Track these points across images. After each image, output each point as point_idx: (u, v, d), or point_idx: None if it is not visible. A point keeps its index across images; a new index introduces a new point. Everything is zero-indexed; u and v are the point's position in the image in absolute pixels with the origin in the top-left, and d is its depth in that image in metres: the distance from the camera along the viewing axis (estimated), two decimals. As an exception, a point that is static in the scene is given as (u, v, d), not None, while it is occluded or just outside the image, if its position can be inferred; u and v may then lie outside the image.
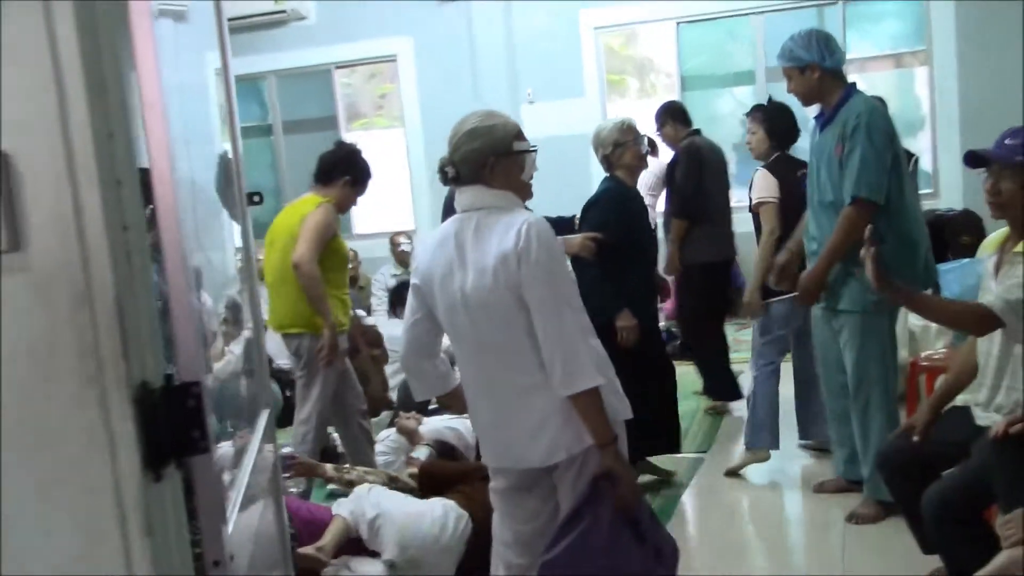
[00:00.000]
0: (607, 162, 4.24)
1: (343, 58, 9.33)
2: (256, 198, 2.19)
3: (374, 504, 3.52)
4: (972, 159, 2.88)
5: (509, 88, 8.63)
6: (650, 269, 4.46)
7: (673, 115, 6.10)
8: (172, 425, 1.30)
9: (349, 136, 9.66)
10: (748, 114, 4.84)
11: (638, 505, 2.50)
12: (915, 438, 2.99)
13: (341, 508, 3.56)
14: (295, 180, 9.68)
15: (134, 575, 1.26)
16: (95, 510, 1.24)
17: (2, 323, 1.22)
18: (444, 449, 4.36)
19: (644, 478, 4.34)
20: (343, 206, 4.39)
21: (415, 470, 4.04)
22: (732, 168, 9.03)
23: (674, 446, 4.53)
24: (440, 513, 3.53)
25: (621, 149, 4.19)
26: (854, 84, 3.82)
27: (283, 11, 8.97)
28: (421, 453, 4.26)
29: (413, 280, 2.62)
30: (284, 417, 5.10)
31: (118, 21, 1.31)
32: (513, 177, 2.54)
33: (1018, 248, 2.79)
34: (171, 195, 1.33)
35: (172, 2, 2.31)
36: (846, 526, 3.84)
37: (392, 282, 6.86)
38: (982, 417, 2.89)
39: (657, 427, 4.29)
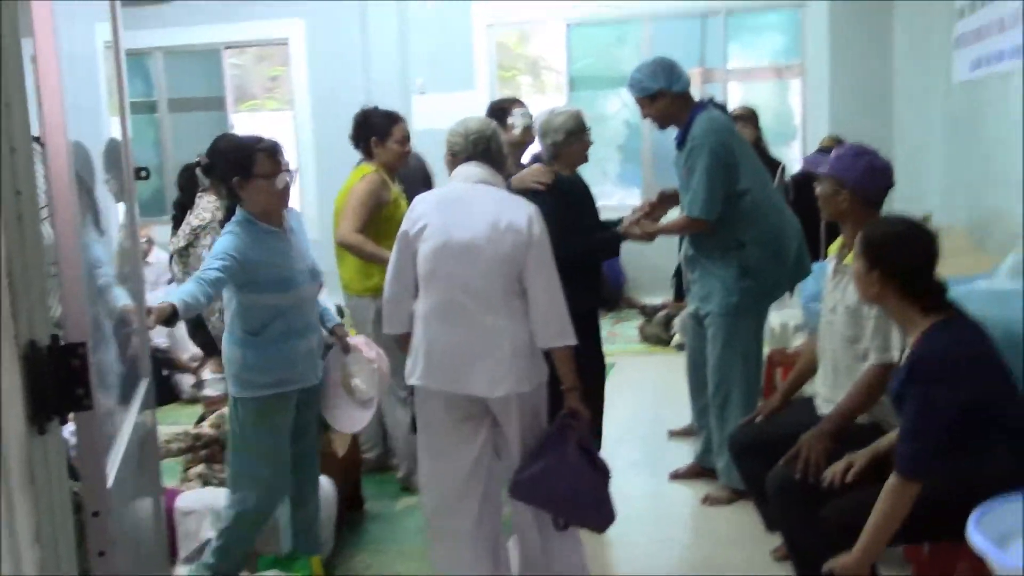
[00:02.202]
0: (553, 149, 4.11)
1: (233, 38, 9.23)
2: (143, 173, 2.24)
3: None
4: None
5: (400, 77, 8.70)
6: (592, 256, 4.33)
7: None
8: (57, 382, 1.38)
9: (237, 118, 9.56)
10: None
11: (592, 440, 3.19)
12: (758, 419, 3.28)
13: (189, 501, 3.67)
14: (180, 158, 9.54)
15: (14, 522, 1.33)
16: (-22, 460, 1.31)
17: None
18: None
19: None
20: (391, 165, 4.38)
21: (215, 418, 4.13)
22: (616, 168, 9.36)
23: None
24: None
25: (573, 140, 4.09)
26: (701, 103, 4.03)
27: (173, -13, 8.82)
28: (218, 388, 4.34)
29: (405, 229, 3.11)
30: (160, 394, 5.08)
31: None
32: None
33: (848, 259, 3.07)
34: (65, 164, 1.40)
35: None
36: (698, 508, 4.10)
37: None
38: (822, 407, 3.15)
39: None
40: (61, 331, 1.44)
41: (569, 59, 8.89)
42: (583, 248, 4.00)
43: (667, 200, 4.24)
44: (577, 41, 8.88)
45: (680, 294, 5.16)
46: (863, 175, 3.08)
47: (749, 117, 6.29)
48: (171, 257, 4.63)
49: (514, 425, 3.07)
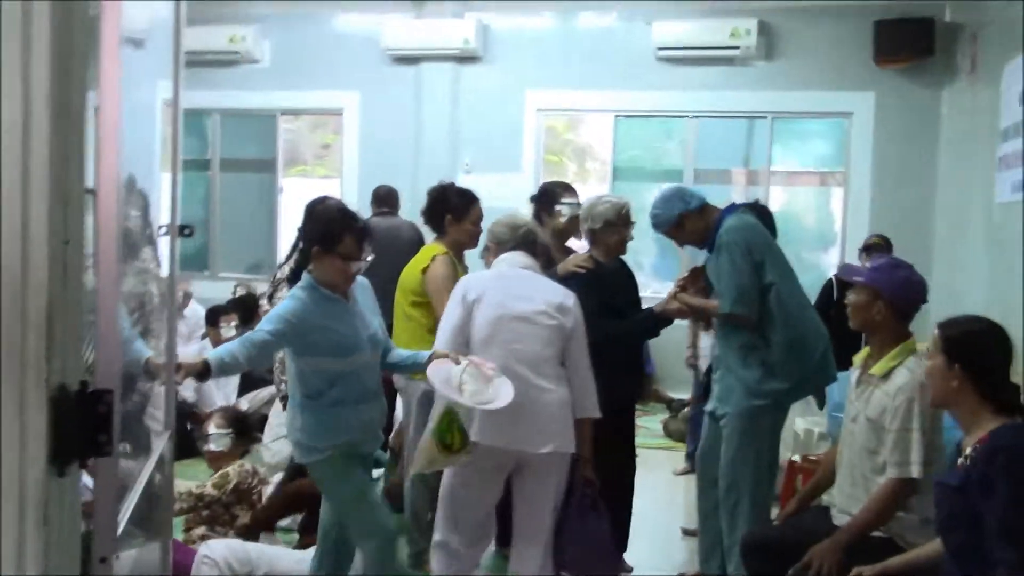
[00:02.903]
0: (591, 236, 4.28)
1: (290, 105, 9.48)
2: (187, 231, 2.31)
3: (260, 560, 3.73)
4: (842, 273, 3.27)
5: (448, 155, 8.85)
6: (629, 343, 4.38)
7: None
8: (82, 427, 1.41)
9: (286, 182, 9.76)
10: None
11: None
12: (775, 522, 3.24)
13: (215, 549, 3.66)
14: (226, 217, 9.75)
15: (23, 561, 1.35)
16: (-4, 495, 1.33)
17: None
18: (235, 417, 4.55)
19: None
20: (463, 245, 4.34)
21: (218, 478, 4.20)
22: (652, 260, 9.40)
23: (621, 544, 4.41)
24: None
25: (611, 230, 4.23)
26: (728, 208, 4.03)
27: (237, 52, 9.10)
28: (221, 444, 4.38)
29: (463, 294, 3.44)
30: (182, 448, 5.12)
31: (89, 50, 1.44)
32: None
33: (873, 369, 3.06)
34: (112, 217, 1.46)
35: (129, 28, 2.41)
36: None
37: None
38: (838, 517, 3.12)
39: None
40: (91, 377, 1.48)
41: (614, 149, 9.02)
42: (617, 331, 4.08)
43: (701, 276, 4.21)
44: (624, 132, 9.02)
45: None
46: (900, 288, 3.09)
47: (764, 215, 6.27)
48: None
49: (550, 482, 3.38)
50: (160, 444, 2.15)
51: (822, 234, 8.89)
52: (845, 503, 3.10)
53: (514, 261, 3.56)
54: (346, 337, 3.23)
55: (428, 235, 4.74)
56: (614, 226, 4.22)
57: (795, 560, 2.96)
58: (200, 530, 3.98)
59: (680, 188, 4.12)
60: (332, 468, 3.27)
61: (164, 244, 2.38)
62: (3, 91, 1.29)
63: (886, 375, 3.03)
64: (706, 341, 5.14)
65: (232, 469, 4.20)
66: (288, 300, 3.23)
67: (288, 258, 4.77)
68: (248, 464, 4.33)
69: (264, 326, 3.11)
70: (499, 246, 3.63)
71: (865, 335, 3.23)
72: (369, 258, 3.28)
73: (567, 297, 3.50)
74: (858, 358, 3.23)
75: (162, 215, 2.34)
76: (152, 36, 2.51)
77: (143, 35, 2.51)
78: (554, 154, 9.79)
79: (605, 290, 4.20)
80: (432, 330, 4.04)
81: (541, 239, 3.66)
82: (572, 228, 4.49)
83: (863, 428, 3.04)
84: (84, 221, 1.43)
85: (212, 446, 4.36)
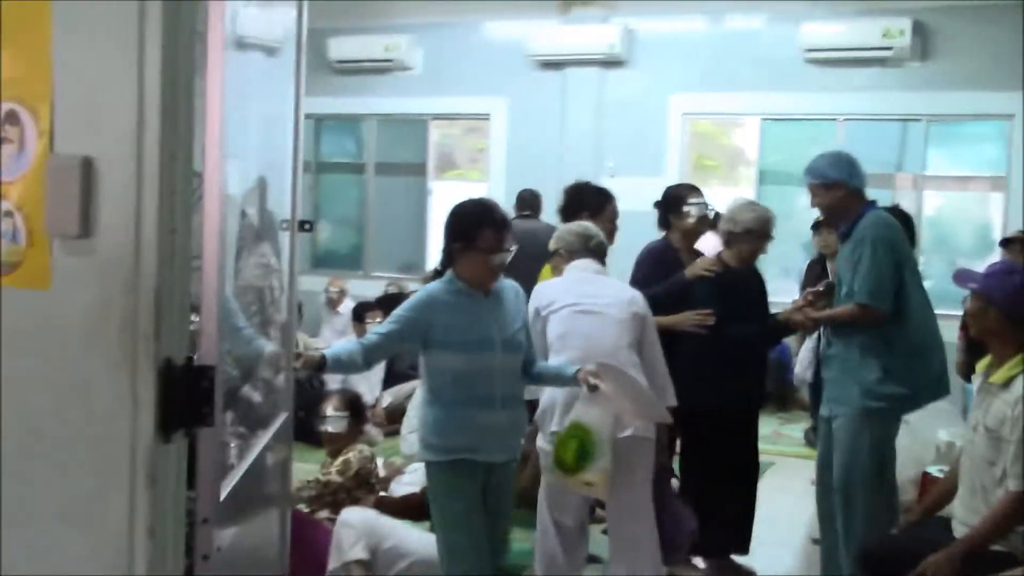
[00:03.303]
0: (728, 238, 4.31)
1: (440, 111, 9.77)
2: (307, 226, 2.47)
3: (390, 533, 3.87)
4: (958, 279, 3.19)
5: (593, 158, 8.91)
6: (752, 348, 4.37)
7: None
8: (187, 399, 1.56)
9: (440, 185, 10.07)
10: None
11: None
12: (894, 531, 3.18)
13: (352, 515, 3.86)
14: (380, 218, 10.14)
15: (134, 517, 1.52)
16: (111, 457, 1.50)
17: (66, 295, 1.50)
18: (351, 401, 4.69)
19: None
20: None
21: (340, 464, 4.37)
22: (799, 265, 9.18)
23: (741, 546, 4.45)
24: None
25: (749, 238, 4.26)
26: (872, 203, 3.95)
27: (391, 60, 9.46)
28: (338, 426, 4.51)
29: (535, 305, 3.61)
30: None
31: (196, 58, 1.60)
32: None
33: (993, 378, 2.95)
34: (217, 209, 1.61)
35: (264, 38, 2.58)
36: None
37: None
38: (958, 528, 3.02)
39: (729, 523, 4.32)
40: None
41: (761, 153, 8.89)
42: (738, 335, 4.14)
43: (831, 294, 4.13)
44: (770, 136, 8.87)
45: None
46: (1013, 294, 2.97)
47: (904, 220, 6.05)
48: None
49: (636, 467, 3.54)
50: (277, 424, 2.32)
51: (981, 241, 8.48)
52: (964, 514, 3.00)
53: (586, 267, 3.80)
54: (475, 333, 3.07)
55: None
56: (753, 235, 4.25)
57: (911, 570, 2.89)
58: (324, 512, 4.18)
59: (853, 160, 3.97)
60: (442, 479, 3.11)
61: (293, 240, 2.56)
62: (118, 96, 1.46)
63: (1006, 384, 2.93)
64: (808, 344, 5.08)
65: (353, 456, 4.39)
66: (416, 293, 3.21)
67: None
68: (367, 449, 4.51)
69: (380, 328, 3.15)
70: (570, 254, 3.85)
71: (986, 342, 3.11)
72: (511, 249, 3.14)
73: (637, 293, 3.77)
74: (980, 366, 3.13)
75: (286, 211, 2.51)
76: (288, 47, 2.69)
77: (278, 44, 2.70)
78: (709, 158, 9.72)
79: (732, 294, 4.21)
80: None
81: (604, 246, 3.90)
82: (701, 228, 4.49)
83: (982, 438, 2.95)
84: (191, 214, 1.59)
85: (329, 427, 4.52)
